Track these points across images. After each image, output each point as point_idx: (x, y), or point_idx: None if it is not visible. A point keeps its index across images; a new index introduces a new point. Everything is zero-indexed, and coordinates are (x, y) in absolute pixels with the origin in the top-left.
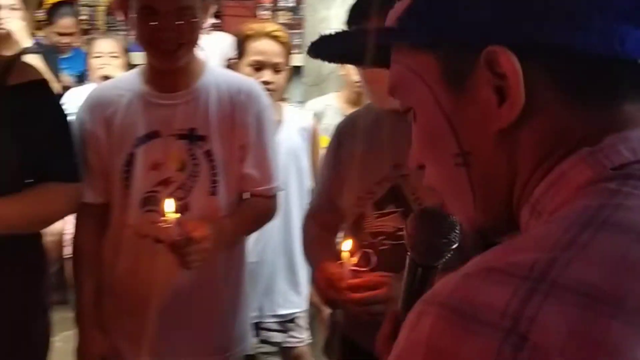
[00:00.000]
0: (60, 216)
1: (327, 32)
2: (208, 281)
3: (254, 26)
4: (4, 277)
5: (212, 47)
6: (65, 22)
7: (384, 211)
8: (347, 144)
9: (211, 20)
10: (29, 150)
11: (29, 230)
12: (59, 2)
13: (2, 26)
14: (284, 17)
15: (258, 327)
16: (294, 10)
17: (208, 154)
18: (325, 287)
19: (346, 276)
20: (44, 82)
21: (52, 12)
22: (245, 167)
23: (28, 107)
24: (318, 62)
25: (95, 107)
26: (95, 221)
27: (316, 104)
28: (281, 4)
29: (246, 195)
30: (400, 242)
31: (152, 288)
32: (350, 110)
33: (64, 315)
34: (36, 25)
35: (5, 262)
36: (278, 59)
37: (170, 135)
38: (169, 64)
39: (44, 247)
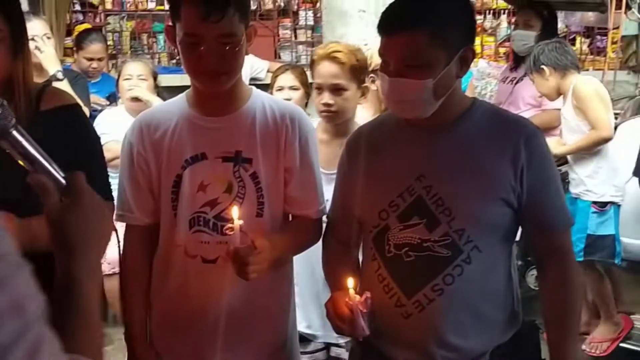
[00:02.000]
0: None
1: None
2: (257, 300)
3: (319, 51)
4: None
5: None
6: (94, 48)
7: (409, 223)
8: (359, 157)
9: None
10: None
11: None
12: (87, 29)
13: (35, 54)
14: (304, 35)
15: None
16: (313, 28)
17: (254, 176)
18: (333, 317)
19: (350, 312)
20: (75, 106)
21: (81, 39)
22: (290, 190)
23: (60, 130)
24: None
25: (144, 130)
26: (143, 241)
27: None
28: (301, 22)
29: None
30: (426, 253)
31: (202, 307)
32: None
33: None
34: (65, 52)
35: (38, 278)
36: (337, 80)
37: (217, 157)
38: (213, 89)
39: None
